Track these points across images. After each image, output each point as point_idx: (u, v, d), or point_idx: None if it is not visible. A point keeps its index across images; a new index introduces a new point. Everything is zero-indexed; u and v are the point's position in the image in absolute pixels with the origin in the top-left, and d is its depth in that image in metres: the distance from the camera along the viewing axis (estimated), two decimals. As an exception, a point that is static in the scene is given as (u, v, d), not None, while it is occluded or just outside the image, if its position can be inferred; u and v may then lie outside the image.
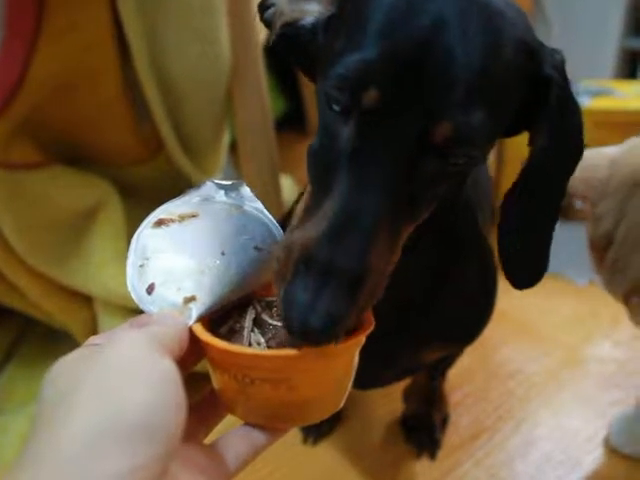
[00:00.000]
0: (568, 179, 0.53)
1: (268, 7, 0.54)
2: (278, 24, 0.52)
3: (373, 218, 0.41)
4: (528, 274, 0.56)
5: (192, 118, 1.03)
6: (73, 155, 0.97)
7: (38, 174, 0.89)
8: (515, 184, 0.52)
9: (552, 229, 0.55)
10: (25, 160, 0.87)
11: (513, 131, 0.51)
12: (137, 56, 0.90)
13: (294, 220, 0.46)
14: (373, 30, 0.42)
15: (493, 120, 0.43)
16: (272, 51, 0.54)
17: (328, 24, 0.49)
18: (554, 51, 0.48)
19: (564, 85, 0.49)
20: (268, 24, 0.54)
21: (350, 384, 0.45)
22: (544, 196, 0.53)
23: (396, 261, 0.46)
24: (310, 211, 0.44)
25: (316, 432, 0.96)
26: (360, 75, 0.41)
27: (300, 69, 0.55)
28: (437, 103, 0.41)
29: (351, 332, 0.43)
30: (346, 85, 0.42)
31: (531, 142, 0.51)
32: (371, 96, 0.41)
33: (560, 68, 0.48)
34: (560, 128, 0.49)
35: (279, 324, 0.44)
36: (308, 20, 0.51)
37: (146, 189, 1.05)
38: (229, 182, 0.52)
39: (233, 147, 1.23)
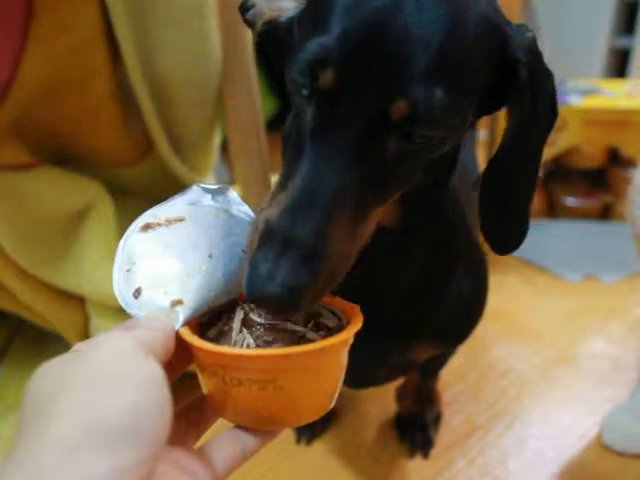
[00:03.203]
0: (544, 144, 0.54)
1: (249, 8, 0.55)
2: (259, 24, 0.53)
3: (331, 193, 0.42)
4: (509, 239, 0.57)
5: (183, 118, 1.02)
6: (63, 156, 0.97)
7: (28, 175, 0.89)
8: (495, 155, 0.52)
9: (532, 193, 0.55)
10: (15, 161, 0.87)
11: (487, 110, 0.51)
12: (127, 56, 0.89)
13: (265, 201, 0.47)
14: (333, 15, 0.42)
15: (457, 98, 0.43)
16: (261, 51, 0.55)
17: (300, 18, 0.49)
18: (523, 29, 0.48)
19: (534, 61, 0.48)
20: (250, 24, 0.55)
21: (340, 384, 0.45)
22: (522, 164, 0.53)
23: (361, 246, 0.46)
24: (278, 190, 0.45)
25: (309, 432, 0.96)
26: (318, 57, 0.42)
27: (280, 67, 0.56)
28: (393, 80, 0.41)
29: (338, 331, 0.43)
30: (305, 68, 0.43)
31: (507, 118, 0.51)
32: (328, 76, 0.42)
33: (529, 45, 0.48)
34: (532, 101, 0.49)
35: (267, 322, 0.44)
36: (284, 17, 0.51)
37: (137, 189, 1.05)
38: (216, 186, 0.52)
39: (224, 147, 1.23)
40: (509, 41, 0.47)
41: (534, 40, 0.49)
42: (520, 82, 0.47)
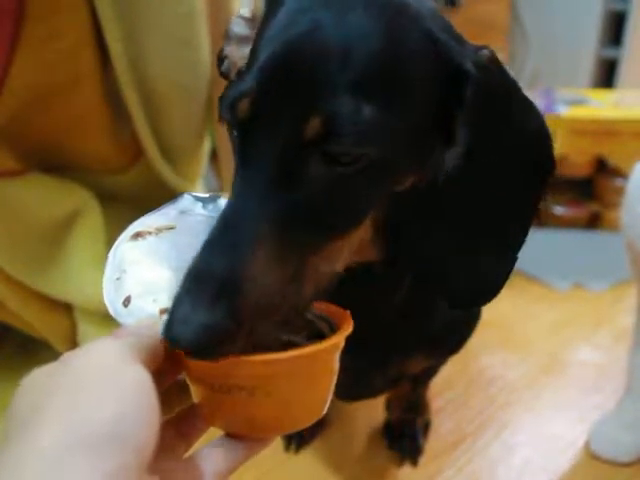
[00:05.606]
0: (535, 191, 0.50)
1: (222, 60, 0.54)
2: (232, 75, 0.53)
3: (249, 224, 0.39)
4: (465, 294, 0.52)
5: (172, 125, 1.02)
6: (52, 163, 0.97)
7: (16, 182, 0.88)
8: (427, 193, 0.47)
9: (511, 249, 0.50)
10: (3, 168, 0.86)
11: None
12: (117, 62, 0.89)
13: None
14: (257, 53, 0.43)
15: (387, 114, 0.41)
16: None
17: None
18: (478, 47, 0.46)
19: (489, 80, 0.45)
20: (225, 77, 0.55)
21: (331, 390, 0.44)
22: (482, 209, 0.49)
23: (322, 280, 0.44)
24: None
25: (298, 439, 0.96)
26: (238, 91, 0.42)
27: None
28: (306, 99, 0.40)
29: (327, 336, 0.43)
30: (228, 103, 0.42)
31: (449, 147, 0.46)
32: (243, 106, 0.41)
33: (484, 64, 0.45)
34: (492, 132, 0.46)
35: None
36: None
37: (126, 196, 1.04)
38: (207, 195, 0.52)
39: (214, 154, 1.23)
40: (455, 56, 0.44)
41: (491, 58, 0.45)
42: (467, 101, 0.44)
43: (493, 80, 0.45)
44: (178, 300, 0.38)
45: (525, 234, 0.51)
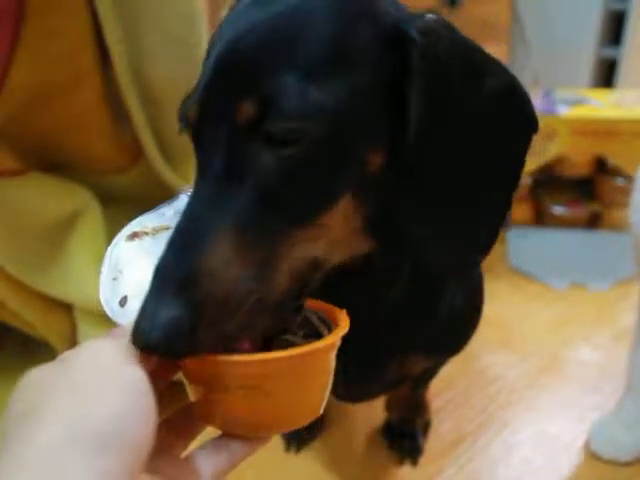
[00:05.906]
0: (517, 152, 0.49)
1: None
2: None
3: (203, 219, 0.40)
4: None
5: (172, 124, 1.02)
6: (52, 162, 0.97)
7: (16, 182, 0.88)
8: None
9: (498, 211, 0.50)
10: (3, 168, 0.87)
11: None
12: (117, 61, 0.89)
13: None
14: (209, 60, 0.44)
15: (332, 91, 0.41)
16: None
17: None
18: (423, 13, 0.44)
19: (438, 46, 0.43)
20: None
21: (328, 389, 0.44)
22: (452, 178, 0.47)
23: (299, 272, 0.43)
24: None
25: (298, 440, 0.96)
26: (190, 101, 0.44)
27: None
28: (241, 88, 0.41)
29: (324, 334, 0.44)
30: (183, 113, 0.45)
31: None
32: (191, 112, 0.43)
33: (431, 29, 0.43)
34: (454, 98, 0.45)
35: None
36: None
37: (127, 196, 1.04)
38: None
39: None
40: (398, 25, 0.43)
41: (438, 21, 0.44)
42: (414, 68, 0.42)
43: (442, 44, 0.44)
44: (144, 301, 0.39)
45: (511, 194, 0.49)
